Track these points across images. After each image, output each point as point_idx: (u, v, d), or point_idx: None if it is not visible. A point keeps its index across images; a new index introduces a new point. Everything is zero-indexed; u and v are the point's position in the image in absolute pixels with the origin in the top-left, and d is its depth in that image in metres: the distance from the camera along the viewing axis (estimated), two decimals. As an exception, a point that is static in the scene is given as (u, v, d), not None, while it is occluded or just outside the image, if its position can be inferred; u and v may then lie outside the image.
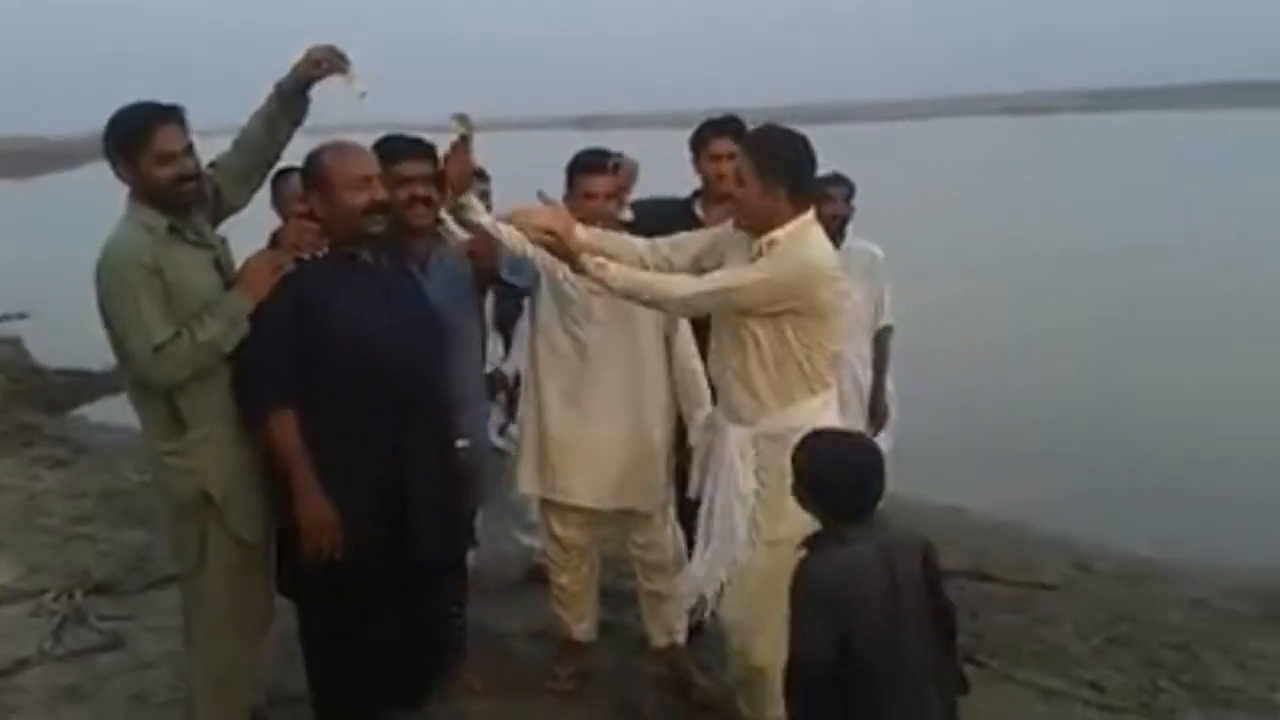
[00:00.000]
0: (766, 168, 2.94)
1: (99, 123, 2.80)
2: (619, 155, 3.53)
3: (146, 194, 2.76)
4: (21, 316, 12.09)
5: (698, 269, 3.17)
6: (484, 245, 3.25)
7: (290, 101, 2.98)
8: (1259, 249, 14.43)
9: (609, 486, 3.48)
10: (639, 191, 4.02)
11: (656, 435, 3.49)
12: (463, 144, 3.25)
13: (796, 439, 2.69)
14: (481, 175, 4.18)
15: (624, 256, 3.18)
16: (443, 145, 3.31)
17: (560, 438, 3.50)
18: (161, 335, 2.69)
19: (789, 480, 2.58)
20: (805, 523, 2.58)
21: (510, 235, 3.39)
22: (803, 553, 2.45)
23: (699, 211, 3.85)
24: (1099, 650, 4.13)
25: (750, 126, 3.85)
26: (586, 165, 3.47)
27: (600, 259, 3.03)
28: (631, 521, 3.57)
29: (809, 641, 2.32)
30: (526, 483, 3.60)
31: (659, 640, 3.66)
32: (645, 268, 3.17)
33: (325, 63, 2.93)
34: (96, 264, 2.74)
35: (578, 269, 3.05)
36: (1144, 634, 4.30)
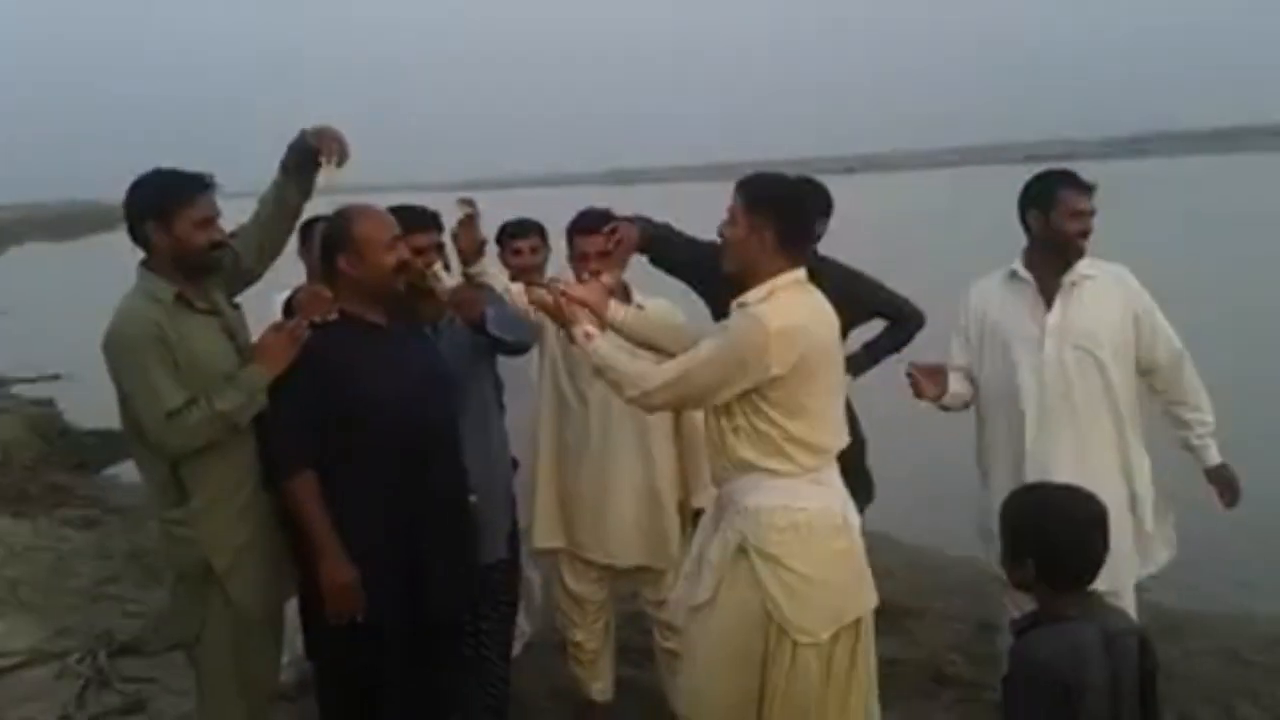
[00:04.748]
0: (755, 205, 2.71)
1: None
2: (628, 219, 3.49)
3: (171, 258, 2.80)
4: (55, 377, 12.26)
5: None
6: (469, 296, 3.25)
7: (297, 174, 3.04)
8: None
9: (622, 543, 3.49)
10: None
11: (667, 492, 3.49)
12: (469, 220, 3.32)
13: (753, 519, 2.62)
14: (542, 233, 4.14)
15: (665, 341, 2.99)
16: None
17: (573, 493, 3.52)
18: (174, 401, 2.71)
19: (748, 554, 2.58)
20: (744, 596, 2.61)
21: (522, 297, 3.41)
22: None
23: None
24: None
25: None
26: (582, 226, 3.51)
27: (591, 329, 2.85)
28: (645, 578, 3.58)
29: None
30: (544, 537, 3.60)
31: (679, 703, 3.61)
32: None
33: (331, 144, 2.96)
34: (104, 336, 2.76)
35: (571, 337, 2.98)
36: (1179, 688, 4.20)
